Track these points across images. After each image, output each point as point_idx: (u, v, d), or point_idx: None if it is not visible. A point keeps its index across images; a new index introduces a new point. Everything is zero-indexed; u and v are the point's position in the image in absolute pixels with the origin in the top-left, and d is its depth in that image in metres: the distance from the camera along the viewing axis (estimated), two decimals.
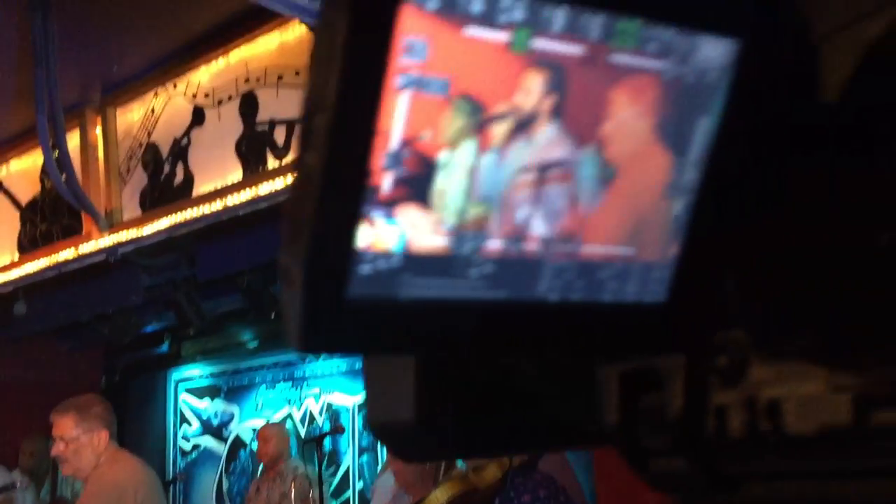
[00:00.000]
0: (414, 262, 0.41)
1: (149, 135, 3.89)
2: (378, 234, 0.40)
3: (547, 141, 0.42)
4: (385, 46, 0.37)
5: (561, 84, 0.41)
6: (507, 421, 0.72)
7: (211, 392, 5.70)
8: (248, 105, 3.52)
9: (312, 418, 5.29)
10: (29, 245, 4.32)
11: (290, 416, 5.35)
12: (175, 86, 3.73)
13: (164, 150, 3.84)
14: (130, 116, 3.93)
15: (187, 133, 3.77)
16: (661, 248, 0.48)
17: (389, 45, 0.37)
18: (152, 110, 3.85)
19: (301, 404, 5.33)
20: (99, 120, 3.95)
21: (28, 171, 4.35)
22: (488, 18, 0.39)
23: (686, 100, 0.45)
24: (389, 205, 0.40)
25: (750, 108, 0.46)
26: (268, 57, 3.38)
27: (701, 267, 0.49)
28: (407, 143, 0.39)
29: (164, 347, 5.37)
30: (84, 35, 3.36)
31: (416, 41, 0.37)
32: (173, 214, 3.80)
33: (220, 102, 3.62)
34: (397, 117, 0.38)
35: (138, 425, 5.52)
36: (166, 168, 3.84)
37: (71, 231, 4.09)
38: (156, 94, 3.82)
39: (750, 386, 0.53)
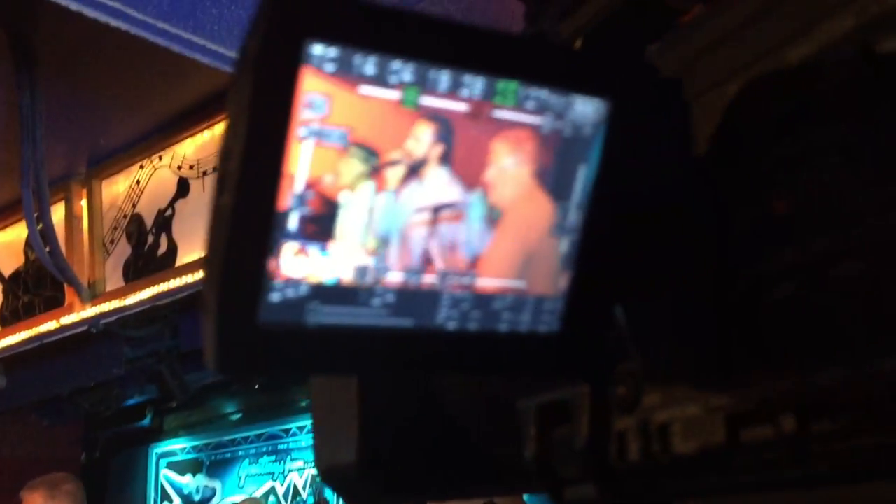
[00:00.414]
0: (320, 292, 0.47)
1: (133, 206, 3.97)
2: (286, 266, 0.46)
3: (438, 185, 0.49)
4: (288, 102, 0.44)
5: (448, 135, 0.48)
6: (446, 461, 0.77)
7: (193, 467, 5.66)
8: None
9: (297, 493, 5.25)
10: (10, 317, 4.35)
11: (272, 490, 5.31)
12: (160, 157, 3.83)
13: (149, 220, 3.91)
14: (115, 188, 4.02)
15: (172, 204, 3.85)
16: (552, 282, 0.54)
17: (292, 102, 0.44)
18: (137, 182, 3.94)
19: (285, 479, 5.30)
20: (84, 192, 4.03)
21: (12, 244, 4.41)
22: (380, 79, 0.45)
23: (564, 150, 0.51)
24: (296, 239, 0.46)
25: (626, 157, 0.53)
26: None
27: (591, 302, 0.55)
28: (310, 185, 0.46)
29: (146, 421, 5.35)
30: (71, 109, 3.47)
31: (316, 98, 0.44)
32: (156, 285, 3.84)
33: (204, 173, 3.70)
34: (301, 163, 0.45)
35: (119, 503, 5.46)
36: (150, 239, 3.91)
37: (53, 303, 4.13)
38: (141, 165, 3.91)
39: (643, 412, 0.58)
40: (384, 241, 0.48)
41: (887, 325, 0.45)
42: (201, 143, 3.68)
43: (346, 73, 0.45)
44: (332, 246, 0.47)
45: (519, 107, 0.49)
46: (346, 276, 0.48)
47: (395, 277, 0.49)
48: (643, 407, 0.58)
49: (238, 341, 0.45)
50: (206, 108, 3.51)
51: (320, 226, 0.47)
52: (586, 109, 0.51)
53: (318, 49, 0.43)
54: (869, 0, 0.46)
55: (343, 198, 0.47)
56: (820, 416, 0.48)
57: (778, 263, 0.50)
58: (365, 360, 0.50)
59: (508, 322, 0.53)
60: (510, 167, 0.50)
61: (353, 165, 0.46)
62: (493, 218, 0.51)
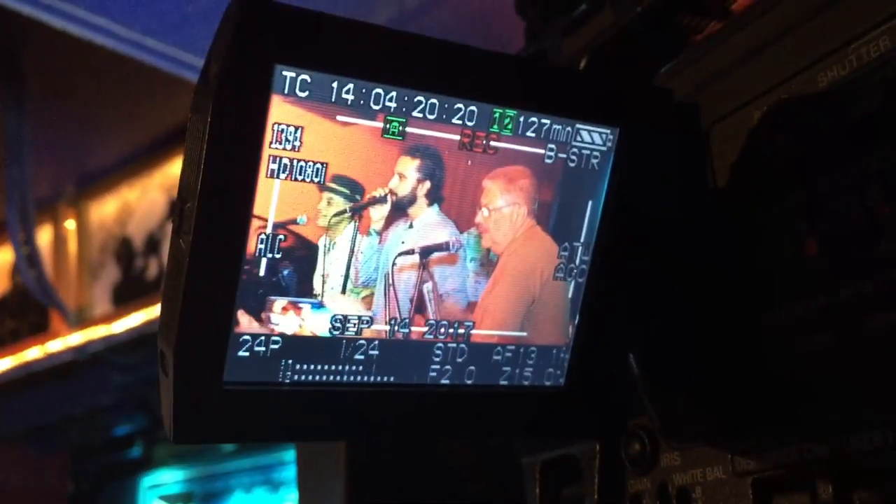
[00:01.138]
0: (295, 347, 0.43)
1: (123, 228, 3.93)
2: (256, 318, 0.42)
3: (427, 225, 0.44)
4: (254, 134, 0.39)
5: (437, 169, 0.44)
6: None
7: (184, 499, 5.57)
8: None
9: None
10: None
11: None
12: (150, 178, 3.80)
13: (139, 243, 3.88)
14: (104, 209, 3.99)
15: (162, 226, 3.81)
16: (557, 330, 0.49)
17: (260, 133, 0.40)
18: (126, 203, 3.91)
19: None
20: (72, 214, 4.00)
21: None
22: (360, 107, 0.41)
23: (569, 184, 0.47)
24: (267, 288, 0.42)
25: (637, 191, 0.49)
26: None
27: (600, 352, 0.51)
28: (282, 226, 0.41)
29: (136, 451, 5.28)
30: (58, 128, 3.44)
31: (287, 128, 0.40)
32: (146, 309, 3.80)
33: None
34: (271, 202, 0.41)
35: None
36: (140, 262, 3.87)
37: (38, 328, 4.09)
38: (131, 186, 3.88)
39: (661, 473, 0.54)
40: (367, 289, 0.44)
41: None
42: None
43: (322, 101, 0.41)
44: (308, 295, 0.43)
45: (518, 136, 0.45)
46: (324, 329, 0.44)
47: (379, 329, 0.45)
48: (660, 467, 0.53)
49: (201, 405, 0.41)
50: None
51: (294, 272, 0.42)
52: (593, 138, 0.47)
53: (289, 74, 0.39)
54: None
55: (321, 241, 0.42)
56: (860, 483, 0.44)
57: (807, 311, 0.46)
58: (347, 424, 0.45)
59: (509, 376, 0.49)
60: (507, 204, 0.46)
61: (332, 204, 0.42)
62: (490, 261, 0.47)
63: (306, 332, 0.43)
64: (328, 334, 0.44)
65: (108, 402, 4.35)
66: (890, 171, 0.43)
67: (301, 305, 0.43)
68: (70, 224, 3.94)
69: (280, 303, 0.42)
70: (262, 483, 5.37)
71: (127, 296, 3.85)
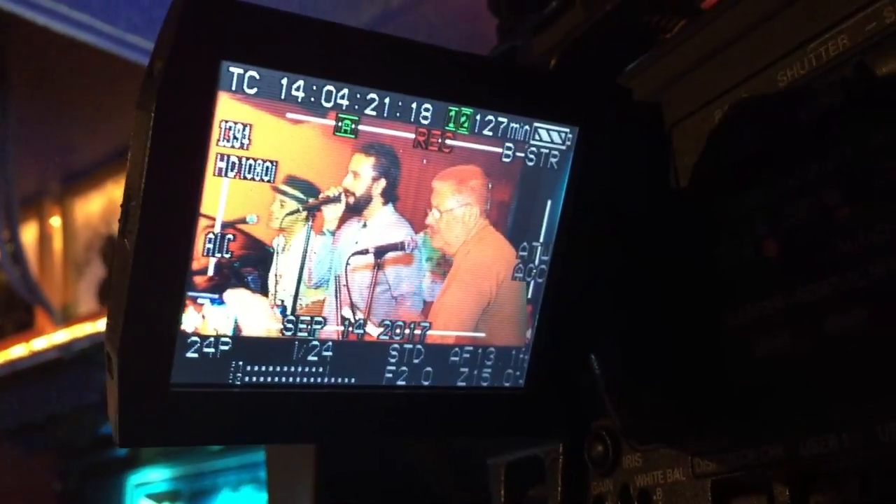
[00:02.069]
0: (246, 347, 0.42)
1: (109, 225, 3.91)
2: (205, 319, 0.41)
3: (382, 224, 0.44)
4: (200, 131, 0.39)
5: (391, 167, 0.43)
6: None
7: (171, 497, 5.55)
8: None
9: None
10: None
11: None
12: None
13: None
14: (90, 207, 3.97)
15: None
16: (516, 331, 0.49)
17: (206, 130, 0.39)
18: (113, 200, 3.89)
19: None
20: (57, 211, 3.98)
21: None
22: (311, 104, 0.41)
23: (528, 184, 0.47)
24: (216, 289, 0.41)
25: (597, 191, 0.48)
26: None
27: (561, 353, 0.50)
28: (231, 226, 0.41)
29: (123, 449, 5.26)
30: (44, 126, 3.42)
31: (235, 125, 0.39)
32: None
33: None
34: (220, 201, 0.40)
35: None
36: None
37: (23, 326, 4.06)
38: (116, 183, 3.86)
39: (623, 474, 0.53)
40: (321, 289, 0.43)
41: (888, 384, 0.40)
42: None
43: (271, 98, 0.40)
44: (258, 295, 0.42)
45: (475, 135, 0.45)
46: (276, 329, 0.43)
47: (333, 330, 0.44)
48: (622, 469, 0.53)
49: (147, 408, 0.40)
50: None
51: (244, 272, 0.42)
52: (552, 137, 0.47)
53: (236, 71, 0.39)
54: (865, 18, 0.42)
55: (273, 241, 0.42)
56: (817, 486, 0.43)
57: (766, 312, 0.45)
58: (300, 426, 0.45)
59: (467, 378, 0.48)
60: (459, 205, 0.45)
61: (285, 205, 0.41)
62: (446, 262, 0.46)
63: (257, 334, 0.42)
64: (279, 336, 0.43)
65: (95, 401, 4.33)
66: (848, 172, 0.43)
67: (252, 306, 0.42)
68: (55, 221, 3.92)
69: (230, 303, 0.41)
70: (249, 481, 5.35)
71: None
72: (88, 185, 3.88)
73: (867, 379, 0.41)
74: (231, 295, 0.42)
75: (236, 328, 0.42)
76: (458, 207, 0.45)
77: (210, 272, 0.41)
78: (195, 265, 0.40)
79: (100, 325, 3.80)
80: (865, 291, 0.41)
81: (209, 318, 0.41)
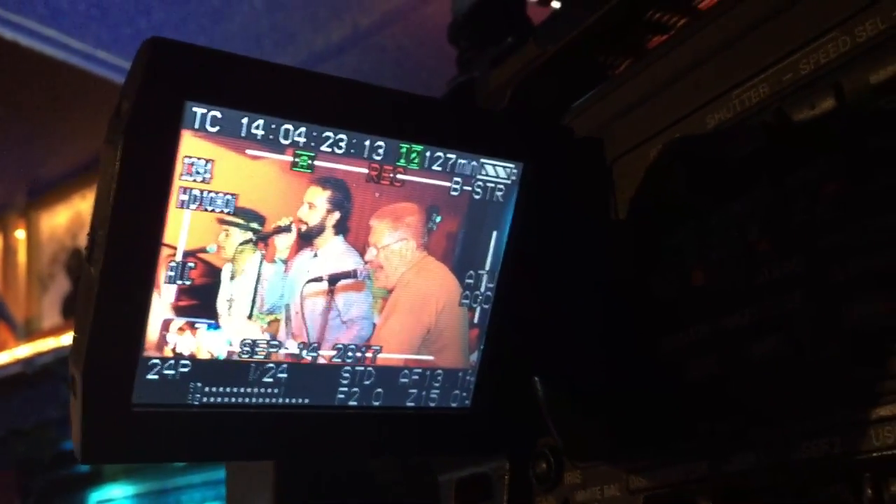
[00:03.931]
0: (204, 370, 0.45)
1: (74, 239, 3.89)
2: (165, 343, 0.44)
3: (333, 253, 0.47)
4: (165, 167, 0.42)
5: (345, 201, 0.46)
6: None
7: None
8: None
9: None
10: None
11: None
12: None
13: None
14: (56, 220, 3.95)
15: None
16: (462, 354, 0.52)
17: (170, 166, 0.42)
18: (78, 213, 3.87)
19: None
20: (22, 224, 3.95)
21: None
22: (270, 142, 0.44)
23: (475, 215, 0.50)
24: (176, 313, 0.44)
25: (540, 222, 0.51)
26: None
27: (506, 375, 0.53)
28: (191, 255, 0.43)
29: (84, 466, 5.21)
30: (8, 139, 3.40)
31: (198, 161, 0.42)
32: None
33: None
34: (181, 232, 0.43)
35: None
36: None
37: None
38: (83, 196, 3.85)
39: (564, 490, 0.56)
40: (275, 314, 0.46)
41: (803, 407, 0.44)
42: None
43: (232, 136, 0.43)
44: (216, 320, 0.45)
45: (425, 170, 0.48)
46: (233, 352, 0.46)
47: (287, 353, 0.47)
48: (564, 485, 0.56)
49: (109, 427, 0.43)
50: None
51: (203, 298, 0.44)
52: (498, 172, 0.50)
53: (199, 110, 0.42)
54: (783, 69, 0.46)
55: (227, 268, 0.45)
56: (738, 502, 0.46)
57: (695, 338, 0.49)
58: (257, 444, 0.47)
59: (416, 398, 0.51)
60: (416, 233, 0.48)
61: (236, 233, 0.44)
62: (394, 289, 0.49)
63: (214, 356, 0.45)
64: (236, 358, 0.46)
65: (57, 416, 4.30)
66: (767, 210, 0.46)
67: (210, 330, 0.45)
68: (20, 234, 3.90)
69: (189, 328, 0.44)
70: (213, 499, 5.33)
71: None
72: (54, 199, 3.87)
73: (784, 401, 0.45)
74: (189, 320, 0.44)
75: (194, 351, 0.45)
76: (394, 243, 0.48)
77: (171, 299, 0.43)
78: (156, 292, 0.43)
79: (64, 339, 3.78)
80: (781, 319, 0.45)
81: (169, 343, 0.44)
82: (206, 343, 0.45)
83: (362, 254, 0.47)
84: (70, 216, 3.91)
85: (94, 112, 3.35)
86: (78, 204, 3.89)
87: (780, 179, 0.46)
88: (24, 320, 3.84)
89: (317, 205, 0.46)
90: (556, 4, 1.02)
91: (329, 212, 0.46)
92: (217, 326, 0.45)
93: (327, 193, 0.46)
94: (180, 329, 0.44)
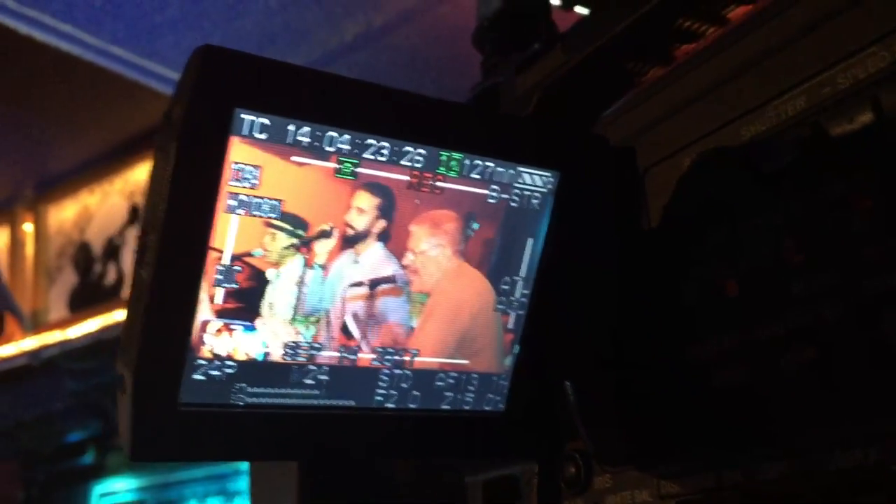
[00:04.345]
0: (248, 370, 0.46)
1: (82, 233, 3.91)
2: (211, 344, 0.45)
3: (373, 259, 0.48)
4: (214, 173, 0.42)
5: (389, 207, 0.47)
6: None
7: None
8: None
9: None
10: None
11: None
12: (112, 183, 3.79)
13: (97, 248, 3.86)
14: (63, 214, 3.96)
15: (122, 232, 3.80)
16: (496, 359, 0.53)
17: (219, 171, 0.43)
18: (86, 208, 3.89)
19: None
20: (30, 217, 3.97)
21: None
22: (315, 149, 0.44)
23: (511, 223, 0.51)
24: (223, 315, 0.45)
25: (575, 230, 0.52)
26: None
27: (538, 379, 0.54)
28: (238, 258, 0.44)
29: (88, 458, 5.22)
30: (18, 132, 3.42)
31: (245, 167, 0.43)
32: (103, 315, 3.78)
33: None
34: (229, 236, 0.44)
35: None
36: (98, 267, 3.85)
37: None
38: (91, 191, 3.86)
39: (593, 495, 0.57)
40: (316, 317, 0.47)
41: (835, 417, 0.45)
42: None
43: (279, 143, 0.44)
44: (260, 322, 0.46)
45: (463, 178, 0.49)
46: (276, 354, 0.46)
47: (329, 355, 0.48)
48: (593, 489, 0.57)
49: (157, 425, 0.44)
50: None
51: (249, 301, 0.45)
52: (534, 181, 0.51)
53: (248, 118, 0.42)
54: (820, 82, 0.46)
55: (271, 272, 0.45)
56: None
57: (726, 347, 0.50)
58: (297, 444, 0.48)
59: (451, 401, 0.52)
60: (454, 239, 0.49)
61: (281, 237, 0.45)
62: (432, 293, 0.50)
63: (258, 358, 0.46)
64: (279, 360, 0.47)
65: (61, 408, 4.31)
66: (801, 223, 0.47)
67: (254, 332, 0.46)
68: (28, 227, 3.91)
69: (235, 329, 0.45)
70: (216, 493, 5.33)
71: (84, 301, 3.83)
72: (62, 192, 3.88)
73: (815, 411, 0.46)
74: (236, 322, 0.45)
75: (239, 353, 0.45)
76: (432, 249, 0.49)
77: (218, 301, 0.44)
78: (204, 294, 0.44)
79: (70, 333, 3.79)
80: (815, 331, 0.46)
81: (215, 344, 0.45)
82: (250, 345, 0.46)
83: (401, 259, 0.48)
84: (78, 210, 3.92)
85: (103, 107, 3.36)
86: (86, 198, 3.90)
87: (815, 192, 0.47)
88: (30, 313, 3.86)
89: (366, 210, 0.47)
90: (579, 9, 1.02)
91: (376, 217, 0.47)
92: (261, 329, 0.46)
93: (376, 200, 0.47)
94: (226, 331, 0.45)
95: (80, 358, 3.99)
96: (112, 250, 3.75)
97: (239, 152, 0.43)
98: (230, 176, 0.43)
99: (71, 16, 2.15)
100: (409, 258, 0.48)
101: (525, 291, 0.52)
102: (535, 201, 0.51)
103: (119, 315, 3.63)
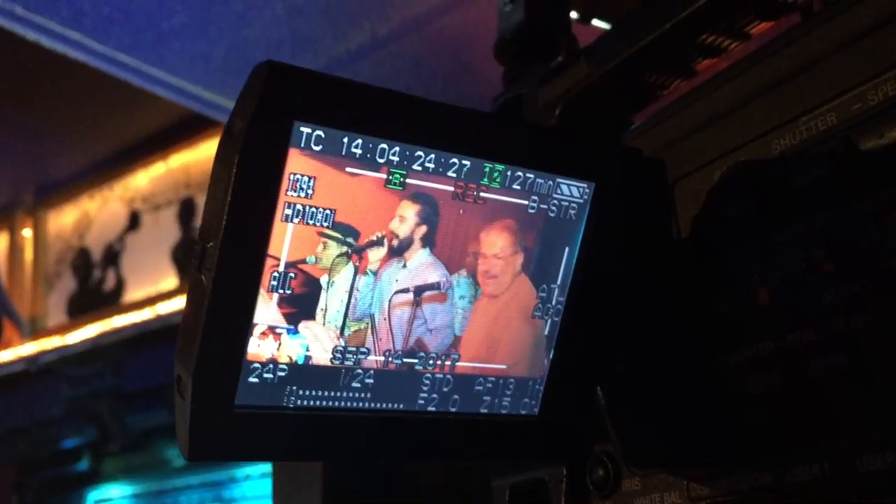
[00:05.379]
0: (299, 374, 0.48)
1: (81, 238, 3.91)
2: (266, 348, 0.46)
3: (420, 266, 0.49)
4: (273, 183, 0.44)
5: (433, 216, 0.49)
6: None
7: None
8: (188, 211, 3.58)
9: None
10: None
11: None
12: (111, 189, 3.80)
13: (97, 254, 3.86)
14: (63, 219, 3.97)
15: (122, 237, 3.81)
16: (533, 364, 0.54)
17: (277, 182, 0.44)
18: (86, 213, 3.89)
19: None
20: (29, 222, 3.97)
21: None
22: (367, 160, 0.46)
23: (549, 232, 0.52)
24: (277, 320, 0.46)
25: (608, 240, 0.54)
26: (209, 163, 3.45)
27: (572, 384, 0.56)
28: (293, 265, 0.46)
29: (84, 465, 5.22)
30: (17, 137, 3.42)
31: (302, 178, 0.45)
32: (101, 321, 3.78)
33: (158, 207, 3.68)
34: (285, 243, 0.45)
35: None
36: (97, 273, 3.85)
37: None
38: (91, 196, 3.87)
39: (622, 497, 0.59)
40: (364, 323, 0.49)
41: (867, 420, 0.46)
42: (156, 176, 3.66)
43: (333, 154, 0.45)
44: (312, 327, 0.47)
45: (505, 189, 0.51)
46: (326, 359, 0.48)
47: (375, 359, 0.50)
48: (622, 492, 0.59)
49: (214, 426, 0.45)
50: (161, 140, 3.49)
51: (301, 307, 0.47)
52: (571, 192, 0.53)
53: (305, 130, 0.44)
54: (851, 98, 0.48)
55: (324, 279, 0.47)
56: None
57: (758, 354, 0.51)
58: (344, 445, 0.50)
59: (489, 405, 0.54)
60: (496, 249, 0.51)
61: (334, 246, 0.47)
62: (476, 300, 0.52)
63: (310, 362, 0.48)
64: (329, 364, 0.48)
65: (58, 414, 4.31)
66: (832, 233, 0.49)
67: (306, 337, 0.47)
68: (27, 233, 3.91)
69: (288, 334, 0.47)
70: (212, 500, 5.32)
71: (82, 307, 3.84)
72: (62, 198, 3.89)
73: (847, 415, 0.47)
74: (289, 327, 0.47)
75: (292, 357, 0.47)
76: (495, 249, 0.50)
77: (274, 307, 0.46)
78: (261, 300, 0.45)
79: (69, 338, 3.79)
80: (846, 337, 0.48)
81: (270, 348, 0.46)
82: (302, 349, 0.47)
83: (447, 266, 0.50)
84: (77, 216, 3.92)
85: (102, 112, 3.37)
86: (85, 203, 3.90)
87: (844, 205, 0.48)
88: (29, 318, 3.86)
89: (407, 218, 0.48)
90: (596, 23, 1.04)
91: (418, 225, 0.49)
92: (312, 334, 0.47)
93: (417, 208, 0.48)
94: (280, 336, 0.46)
95: (78, 364, 3.99)
96: (111, 256, 3.76)
97: (296, 163, 0.44)
98: (287, 186, 0.44)
99: (78, 22, 2.16)
100: (455, 266, 0.50)
101: (561, 299, 0.54)
102: (571, 211, 0.53)
103: (118, 321, 3.64)
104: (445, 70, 2.38)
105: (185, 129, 3.45)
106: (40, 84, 3.13)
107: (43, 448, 4.70)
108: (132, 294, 3.76)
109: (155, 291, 3.59)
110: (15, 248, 3.94)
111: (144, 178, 3.71)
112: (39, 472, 5.59)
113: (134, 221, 3.73)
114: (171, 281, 3.59)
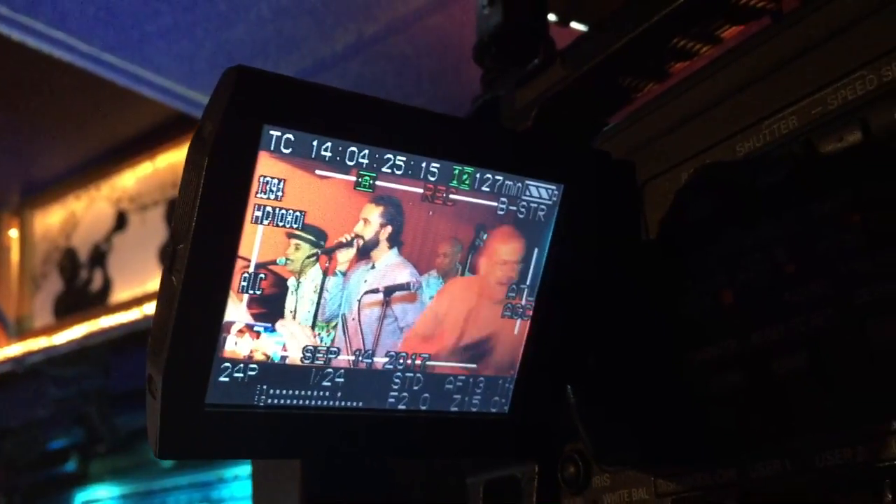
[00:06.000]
0: (269, 373, 0.48)
1: (68, 238, 3.90)
2: (236, 347, 0.47)
3: (388, 266, 0.50)
4: (243, 185, 0.45)
5: (397, 216, 0.50)
6: None
7: None
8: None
9: None
10: None
11: None
12: (98, 189, 3.79)
13: (83, 254, 3.86)
14: (49, 219, 3.96)
15: (108, 238, 3.80)
16: (503, 363, 0.55)
17: (247, 184, 0.45)
18: (72, 214, 3.88)
19: None
20: (15, 223, 3.96)
21: None
22: (337, 163, 0.47)
23: (518, 233, 0.53)
24: (247, 320, 0.47)
25: (578, 241, 0.55)
26: None
27: (542, 383, 0.57)
28: (262, 266, 0.47)
29: (71, 466, 5.20)
30: (3, 137, 3.41)
31: (272, 180, 0.46)
32: (88, 322, 3.78)
33: (144, 207, 3.67)
34: (255, 245, 0.46)
35: None
36: (84, 273, 3.85)
37: None
38: (77, 197, 3.86)
39: (592, 493, 0.60)
40: (334, 323, 0.50)
41: (826, 418, 0.48)
42: (142, 176, 3.66)
43: (303, 157, 0.46)
44: (282, 327, 0.48)
45: (474, 190, 0.51)
46: (296, 358, 0.49)
47: (345, 359, 0.50)
48: (592, 488, 0.60)
49: (185, 424, 0.46)
50: (147, 140, 3.49)
51: (271, 307, 0.48)
52: (540, 193, 0.54)
53: (275, 133, 0.45)
54: (811, 102, 0.49)
55: (292, 280, 0.48)
56: None
57: (722, 353, 0.53)
58: (314, 443, 0.51)
59: (459, 403, 0.55)
60: (464, 249, 0.52)
61: (304, 247, 0.48)
62: (443, 300, 0.52)
63: (279, 361, 0.48)
64: (299, 363, 0.49)
65: (45, 415, 4.30)
66: (793, 234, 0.50)
67: (276, 337, 0.48)
68: (13, 233, 3.90)
69: (258, 334, 0.47)
70: (200, 501, 5.32)
71: (69, 308, 3.83)
72: (48, 198, 3.88)
73: (807, 413, 0.48)
74: (259, 327, 0.47)
75: (262, 356, 0.48)
76: (445, 258, 0.51)
77: (244, 307, 0.47)
78: (231, 300, 0.46)
79: (55, 339, 3.78)
80: (806, 337, 0.49)
81: (240, 348, 0.47)
82: (272, 349, 0.48)
83: (417, 266, 0.51)
84: (64, 216, 3.92)
85: (89, 112, 3.37)
86: (72, 204, 3.90)
87: (805, 206, 0.50)
88: (15, 319, 3.85)
89: (371, 220, 0.49)
90: (574, 25, 1.05)
91: (382, 226, 0.49)
92: (282, 334, 0.48)
93: (380, 209, 0.49)
94: (250, 335, 0.47)
95: (65, 365, 3.98)
96: (98, 256, 3.75)
97: (266, 166, 0.45)
98: (257, 188, 0.45)
99: (63, 23, 2.16)
100: (423, 266, 0.51)
101: (531, 299, 0.55)
102: (540, 213, 0.54)
103: (105, 322, 3.63)
104: (431, 70, 2.39)
105: (172, 129, 3.45)
106: (26, 84, 3.12)
107: (30, 449, 4.68)
108: (119, 294, 3.76)
109: (142, 292, 3.59)
110: (1, 249, 3.92)
111: (131, 178, 3.71)
112: (27, 474, 5.58)
113: (121, 221, 3.72)
114: (158, 281, 3.59)
